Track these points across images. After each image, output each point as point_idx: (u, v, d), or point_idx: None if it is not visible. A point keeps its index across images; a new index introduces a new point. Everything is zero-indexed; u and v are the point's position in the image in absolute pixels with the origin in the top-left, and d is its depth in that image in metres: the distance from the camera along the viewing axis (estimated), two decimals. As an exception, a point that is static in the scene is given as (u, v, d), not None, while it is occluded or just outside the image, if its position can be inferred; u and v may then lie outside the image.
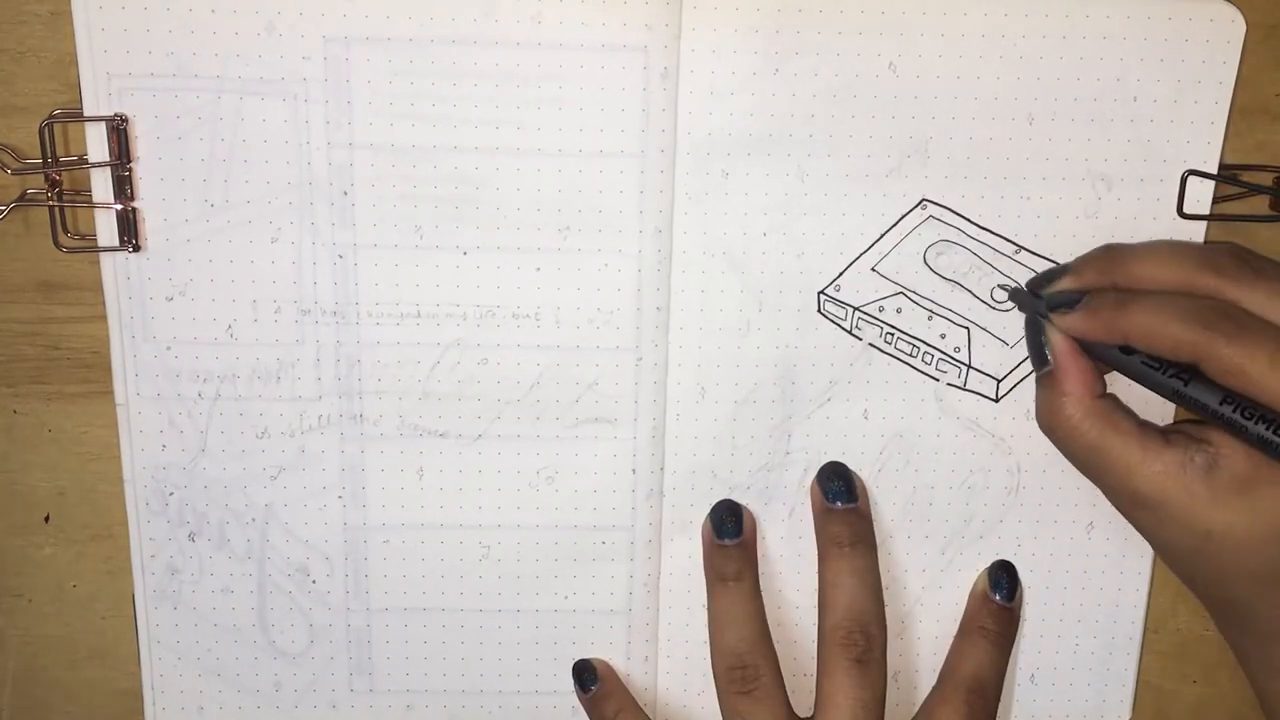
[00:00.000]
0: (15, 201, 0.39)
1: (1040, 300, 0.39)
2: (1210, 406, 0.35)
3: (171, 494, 0.41)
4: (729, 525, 0.42)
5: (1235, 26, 0.39)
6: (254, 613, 0.42)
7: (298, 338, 0.40)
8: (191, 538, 0.42)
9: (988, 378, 0.41)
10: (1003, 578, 0.43)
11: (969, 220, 0.40)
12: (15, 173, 0.39)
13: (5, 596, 0.43)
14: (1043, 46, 0.39)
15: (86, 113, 0.38)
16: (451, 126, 0.39)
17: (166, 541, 0.42)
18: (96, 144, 0.38)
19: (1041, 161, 0.40)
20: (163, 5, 0.37)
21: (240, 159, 0.39)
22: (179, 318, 0.40)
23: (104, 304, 0.40)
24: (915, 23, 0.39)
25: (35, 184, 0.39)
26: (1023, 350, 0.41)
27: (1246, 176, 0.41)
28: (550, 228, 0.40)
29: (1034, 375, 0.40)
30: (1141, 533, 0.38)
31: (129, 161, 0.39)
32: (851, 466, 0.42)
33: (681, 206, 0.40)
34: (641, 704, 0.43)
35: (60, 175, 0.39)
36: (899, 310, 0.41)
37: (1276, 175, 0.41)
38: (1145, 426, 0.37)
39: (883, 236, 0.40)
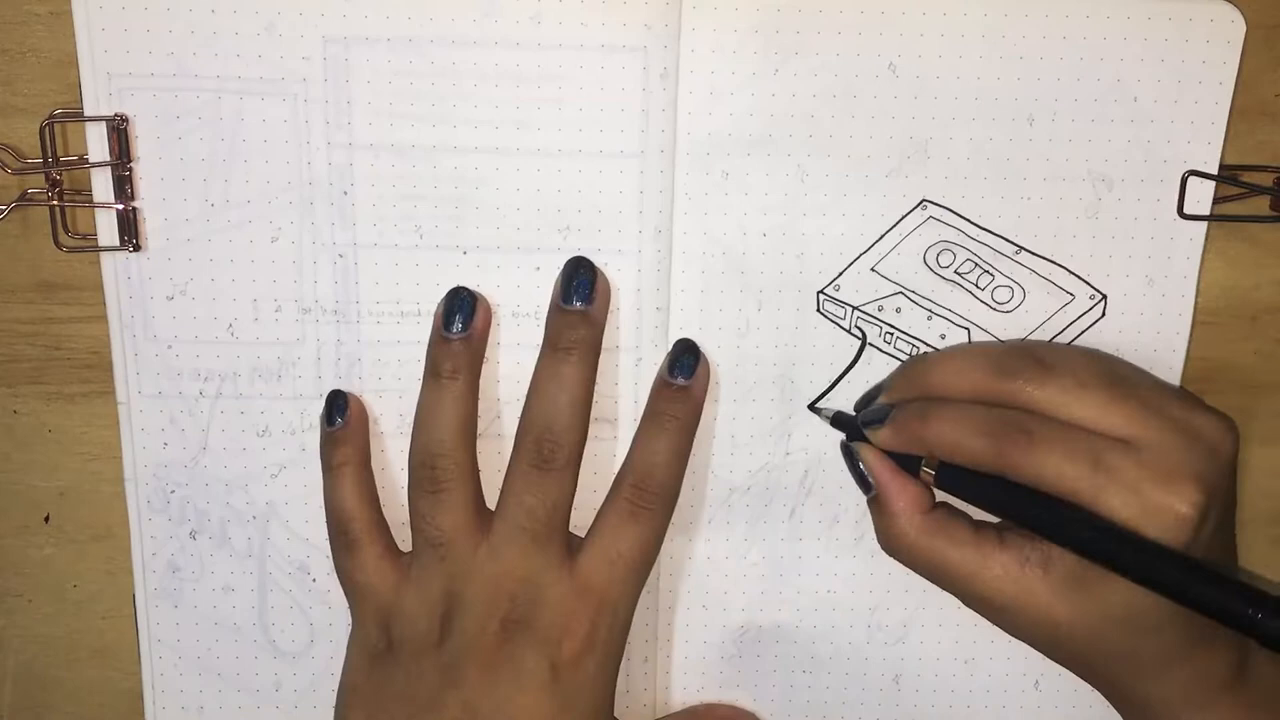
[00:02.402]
0: (15, 201, 0.39)
1: (856, 422, 0.39)
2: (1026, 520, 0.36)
3: (173, 492, 0.41)
4: (457, 317, 0.39)
5: (1235, 26, 0.39)
6: (254, 611, 0.42)
7: (298, 336, 0.40)
8: (193, 535, 0.42)
9: (988, 378, 0.41)
10: (686, 359, 0.40)
11: (969, 221, 0.40)
12: (15, 173, 0.39)
13: (5, 596, 0.43)
14: (1043, 46, 0.39)
15: (87, 113, 0.38)
16: (451, 126, 0.39)
17: (168, 539, 0.42)
18: (97, 144, 0.39)
19: (1041, 161, 0.40)
20: (163, 5, 0.37)
21: (240, 159, 0.39)
22: (179, 317, 0.40)
23: (104, 304, 0.40)
24: (915, 23, 0.39)
25: (35, 184, 0.39)
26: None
27: (1246, 177, 0.41)
28: (550, 228, 0.40)
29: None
30: (1004, 630, 0.38)
31: (129, 161, 0.39)
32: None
33: (681, 206, 0.40)
34: (641, 704, 0.43)
35: (60, 175, 0.39)
36: (898, 310, 0.41)
37: (1276, 175, 0.41)
38: (981, 529, 0.37)
39: (883, 237, 0.40)
